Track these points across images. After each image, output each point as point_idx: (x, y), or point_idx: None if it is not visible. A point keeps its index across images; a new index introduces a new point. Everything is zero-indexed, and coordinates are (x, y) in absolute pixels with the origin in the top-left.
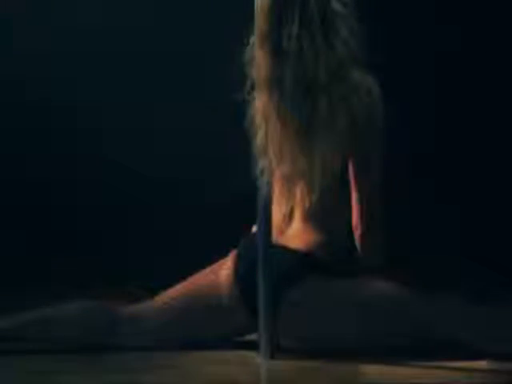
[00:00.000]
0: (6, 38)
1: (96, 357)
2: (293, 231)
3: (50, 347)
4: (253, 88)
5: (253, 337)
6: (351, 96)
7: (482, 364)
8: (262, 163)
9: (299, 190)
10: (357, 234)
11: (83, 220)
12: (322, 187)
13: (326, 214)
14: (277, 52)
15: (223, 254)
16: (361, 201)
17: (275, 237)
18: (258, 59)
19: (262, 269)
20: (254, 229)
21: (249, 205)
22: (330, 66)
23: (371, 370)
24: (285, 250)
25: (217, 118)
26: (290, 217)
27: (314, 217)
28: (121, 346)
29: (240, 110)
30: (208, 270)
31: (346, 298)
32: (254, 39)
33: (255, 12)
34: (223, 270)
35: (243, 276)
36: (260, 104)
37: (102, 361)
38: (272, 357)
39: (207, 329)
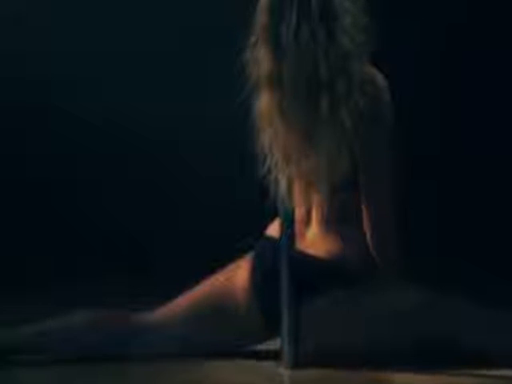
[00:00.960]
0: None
1: (101, 367)
2: (312, 236)
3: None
4: (256, 86)
5: (270, 346)
6: (356, 91)
7: (487, 368)
8: (268, 162)
9: (313, 192)
10: (372, 240)
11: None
12: (334, 189)
13: (342, 219)
14: (278, 49)
15: (234, 257)
16: (372, 206)
17: (295, 239)
18: (259, 57)
19: (285, 274)
20: (270, 229)
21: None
22: (333, 61)
23: (394, 377)
24: (304, 256)
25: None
26: (308, 219)
27: (330, 221)
28: (123, 355)
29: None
30: (225, 270)
31: (365, 306)
32: (256, 36)
33: (257, 8)
34: (240, 270)
35: (262, 278)
36: (263, 102)
37: (106, 370)
38: (295, 366)
39: (221, 334)
